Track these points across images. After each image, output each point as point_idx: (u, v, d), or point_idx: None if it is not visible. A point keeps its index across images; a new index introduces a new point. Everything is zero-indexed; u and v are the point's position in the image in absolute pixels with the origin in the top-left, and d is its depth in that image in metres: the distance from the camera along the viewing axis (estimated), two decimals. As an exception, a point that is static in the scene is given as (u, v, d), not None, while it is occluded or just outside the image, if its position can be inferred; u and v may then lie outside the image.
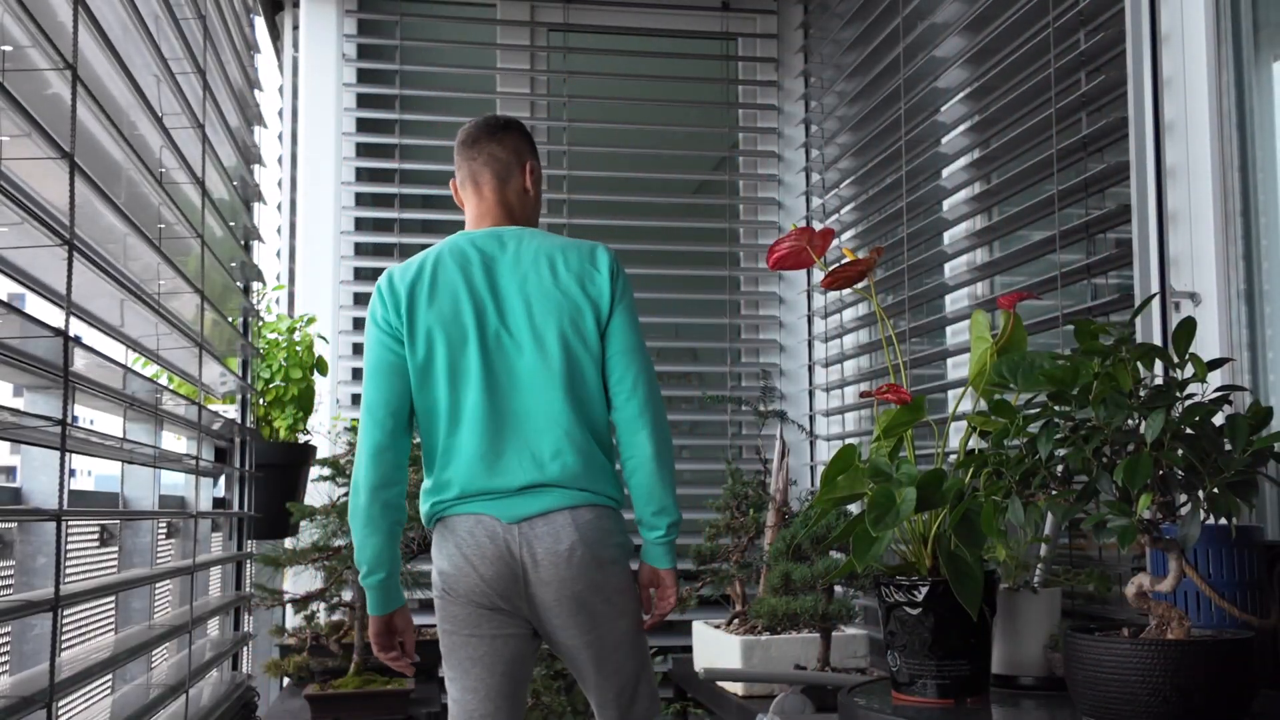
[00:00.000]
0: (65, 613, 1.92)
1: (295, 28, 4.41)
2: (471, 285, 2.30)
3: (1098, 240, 2.66)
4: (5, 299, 1.44)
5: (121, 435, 2.30)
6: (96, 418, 2.38)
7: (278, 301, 4.04)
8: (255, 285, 3.54)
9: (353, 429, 3.48)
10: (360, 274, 4.30)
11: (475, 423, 2.27)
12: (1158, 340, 2.16)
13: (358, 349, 4.26)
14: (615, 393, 2.33)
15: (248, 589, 3.30)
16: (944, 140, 3.36)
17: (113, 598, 2.48)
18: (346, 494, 3.06)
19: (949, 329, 3.39)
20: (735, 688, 3.02)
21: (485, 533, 2.25)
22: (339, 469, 3.07)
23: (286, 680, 3.40)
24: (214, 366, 2.75)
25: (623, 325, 2.33)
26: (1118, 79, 2.44)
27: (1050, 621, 1.90)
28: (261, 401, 3.45)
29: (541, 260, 2.33)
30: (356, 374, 4.22)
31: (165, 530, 2.85)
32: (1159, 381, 1.56)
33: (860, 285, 1.97)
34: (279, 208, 4.51)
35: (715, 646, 3.19)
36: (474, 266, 2.31)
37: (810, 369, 4.41)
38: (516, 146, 2.43)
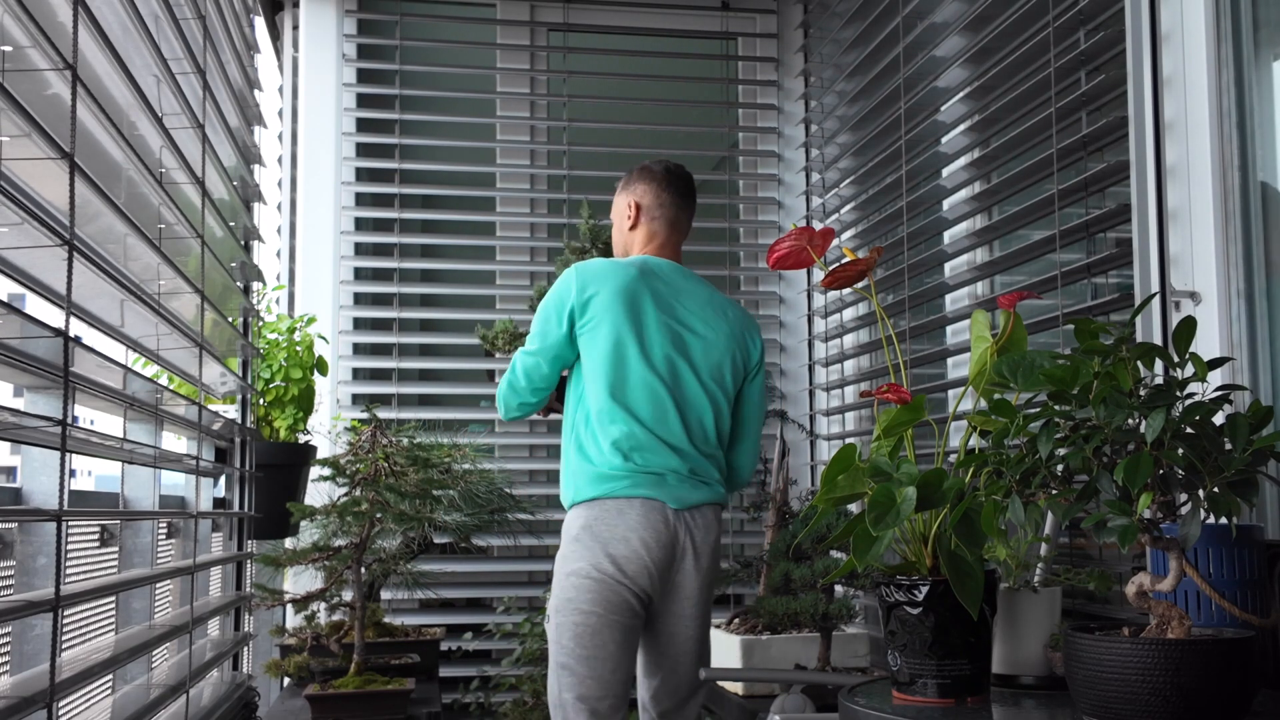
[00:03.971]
0: (66, 613, 1.92)
1: (295, 28, 4.41)
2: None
3: (1098, 239, 2.66)
4: (5, 299, 1.44)
5: (122, 435, 2.30)
6: (97, 418, 2.38)
7: (278, 301, 4.04)
8: (255, 285, 3.54)
9: (353, 429, 3.48)
10: (360, 274, 4.30)
11: None
12: (1158, 339, 2.17)
13: (358, 349, 4.27)
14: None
15: (248, 589, 3.30)
16: (944, 140, 3.36)
17: (113, 598, 2.48)
18: (346, 494, 3.06)
19: (949, 328, 3.39)
20: (735, 687, 3.02)
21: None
22: (339, 469, 3.07)
23: (287, 680, 3.40)
24: (214, 367, 2.75)
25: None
26: (1118, 78, 2.44)
27: (1051, 621, 1.90)
28: (262, 401, 3.45)
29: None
30: (357, 374, 4.23)
31: (165, 530, 2.85)
32: (1159, 381, 1.56)
33: (860, 285, 1.97)
34: (279, 208, 4.51)
35: (715, 646, 3.19)
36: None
37: (810, 369, 4.41)
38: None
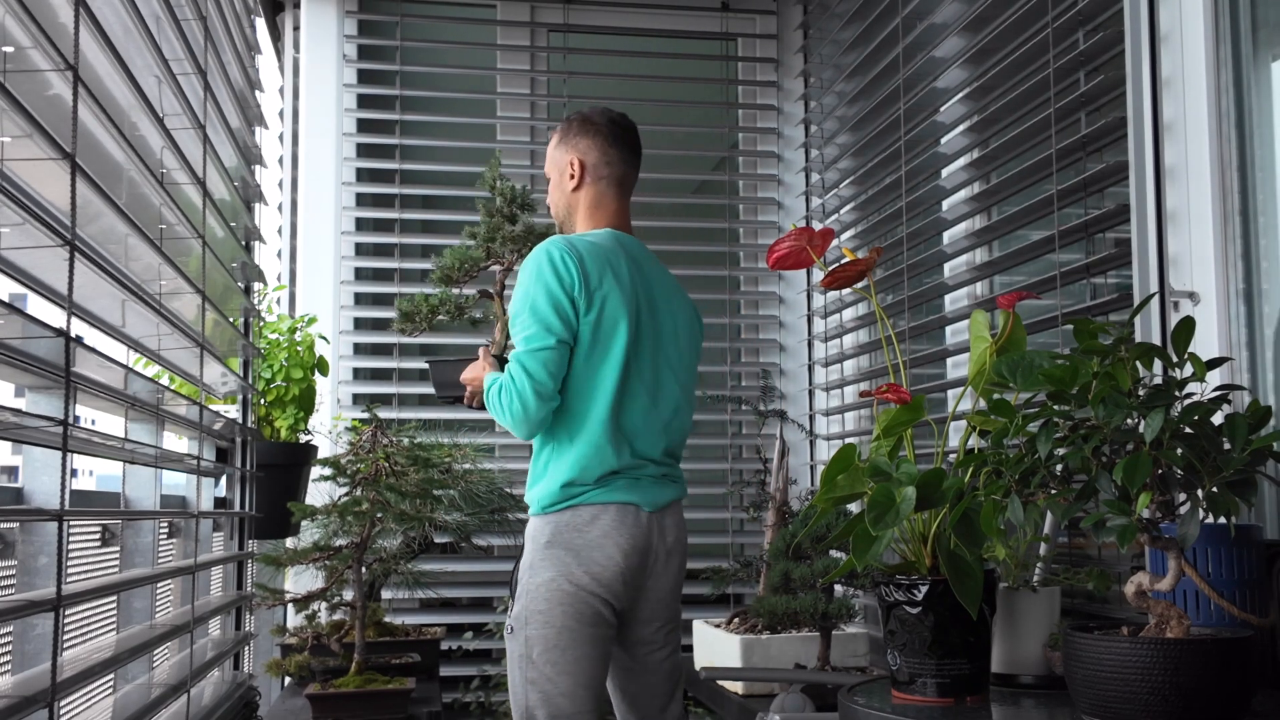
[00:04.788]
0: (67, 612, 1.92)
1: (296, 28, 4.42)
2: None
3: (1097, 240, 2.66)
4: (7, 299, 1.44)
5: (123, 435, 2.31)
6: (98, 418, 2.39)
7: (279, 302, 4.05)
8: (256, 285, 3.55)
9: (353, 429, 3.49)
10: (360, 274, 4.31)
11: None
12: (1157, 339, 2.17)
13: (359, 349, 4.27)
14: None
15: (249, 588, 3.30)
16: (943, 140, 3.36)
17: (114, 597, 2.48)
18: (347, 494, 3.07)
19: (949, 328, 3.39)
20: (735, 687, 3.03)
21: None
22: (340, 469, 3.07)
23: (288, 680, 3.40)
24: (215, 367, 2.76)
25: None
26: (1116, 79, 2.44)
27: (1050, 620, 1.91)
28: (262, 401, 3.45)
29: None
30: (358, 374, 4.23)
31: (166, 530, 2.85)
32: (1158, 381, 1.56)
33: (860, 285, 1.98)
34: (280, 208, 4.52)
35: (715, 645, 3.19)
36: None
37: (810, 369, 4.41)
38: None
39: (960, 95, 3.22)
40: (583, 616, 2.32)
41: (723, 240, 4.52)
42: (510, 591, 2.46)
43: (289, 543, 3.42)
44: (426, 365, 2.77)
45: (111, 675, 2.37)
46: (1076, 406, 1.56)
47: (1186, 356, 1.55)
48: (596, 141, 2.56)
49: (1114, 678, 1.48)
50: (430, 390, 4.31)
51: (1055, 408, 1.58)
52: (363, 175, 4.35)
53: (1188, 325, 1.58)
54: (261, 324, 3.53)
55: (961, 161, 3.28)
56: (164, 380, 2.79)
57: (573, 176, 2.56)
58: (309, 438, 3.57)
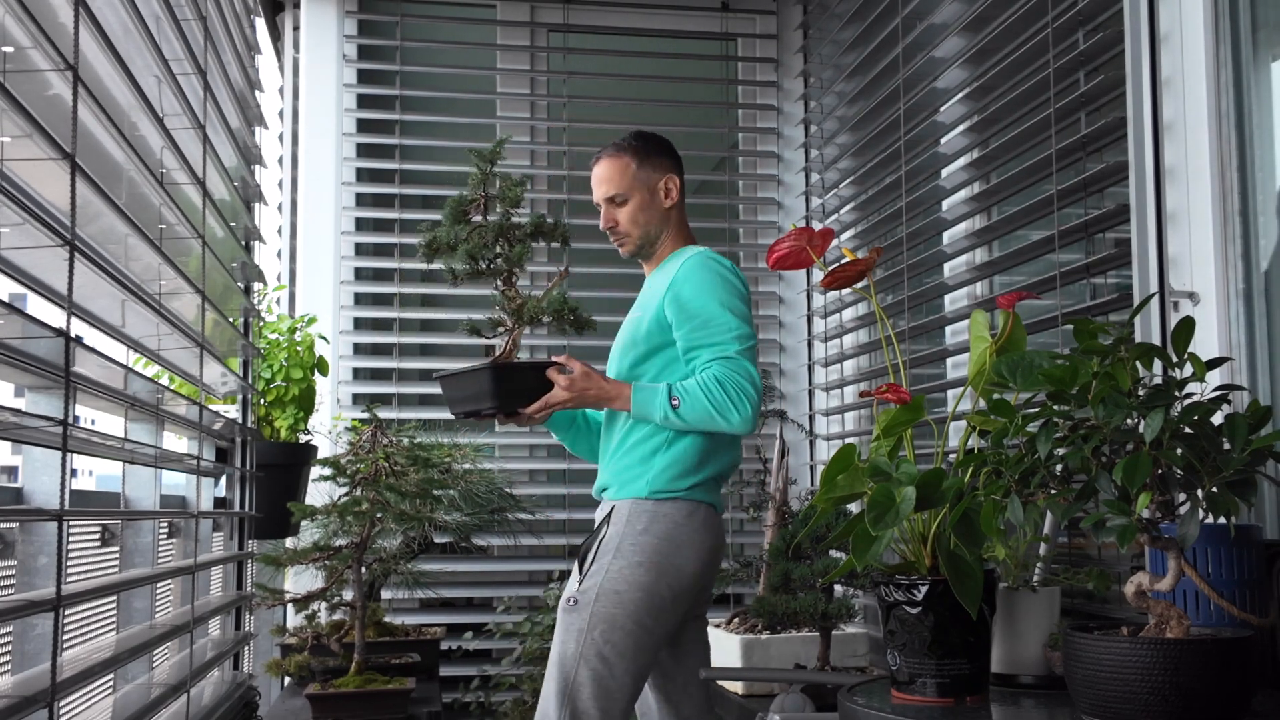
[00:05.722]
0: (67, 612, 1.92)
1: (296, 28, 4.42)
2: None
3: (1096, 240, 2.66)
4: (7, 299, 1.44)
5: (123, 435, 2.31)
6: (98, 418, 2.39)
7: (278, 302, 4.05)
8: (256, 285, 3.54)
9: (353, 429, 3.48)
10: (360, 274, 4.31)
11: None
12: (1157, 340, 2.17)
13: (359, 349, 4.27)
14: None
15: (249, 588, 3.30)
16: (943, 140, 3.36)
17: (114, 597, 2.48)
18: (347, 494, 3.06)
19: (948, 329, 3.39)
20: (735, 687, 3.03)
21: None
22: (340, 469, 3.07)
23: (287, 680, 3.40)
24: (215, 367, 2.76)
25: None
26: (1116, 79, 2.44)
27: (1050, 620, 1.90)
28: (262, 401, 3.45)
29: None
30: (358, 374, 4.23)
31: (166, 530, 2.85)
32: (1158, 381, 1.56)
33: (860, 285, 1.98)
34: (280, 208, 4.52)
35: (715, 645, 3.19)
36: None
37: (810, 369, 4.41)
38: None
39: (960, 95, 3.22)
40: (653, 608, 2.41)
41: (723, 240, 4.51)
42: (580, 565, 2.48)
43: (289, 543, 3.42)
44: (472, 369, 2.52)
45: (111, 675, 2.37)
46: (1076, 406, 1.56)
47: (1186, 356, 1.55)
48: (677, 164, 2.70)
49: (1114, 678, 1.48)
50: (430, 390, 4.32)
51: (1055, 408, 1.58)
52: (363, 175, 4.35)
53: (1187, 325, 1.58)
54: (261, 324, 3.53)
55: (961, 161, 3.28)
56: (164, 380, 2.79)
57: (668, 194, 2.66)
58: (309, 438, 3.57)
